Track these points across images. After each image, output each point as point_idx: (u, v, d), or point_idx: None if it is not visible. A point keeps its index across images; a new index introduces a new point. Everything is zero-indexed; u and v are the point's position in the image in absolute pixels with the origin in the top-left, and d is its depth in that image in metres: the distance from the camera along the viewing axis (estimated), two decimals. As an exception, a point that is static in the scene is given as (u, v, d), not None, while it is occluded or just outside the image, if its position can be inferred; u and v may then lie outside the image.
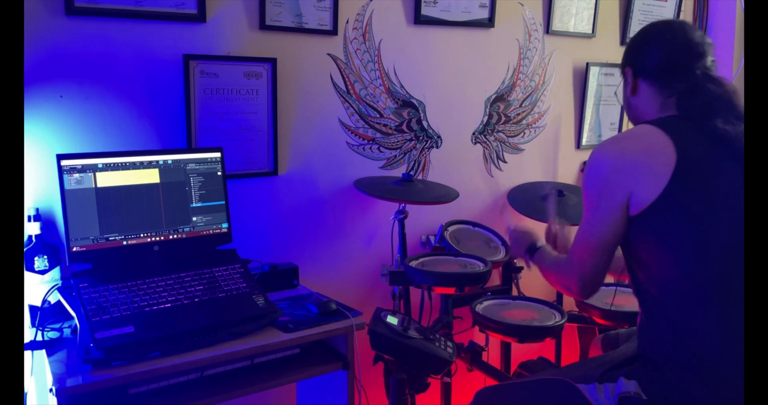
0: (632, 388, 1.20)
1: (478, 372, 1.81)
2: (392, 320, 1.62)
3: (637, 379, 1.21)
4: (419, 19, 2.13)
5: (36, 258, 1.51)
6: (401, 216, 1.99)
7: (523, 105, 2.45)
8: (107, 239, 1.49)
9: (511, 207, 2.30)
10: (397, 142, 2.16)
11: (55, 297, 1.48)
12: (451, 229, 2.19)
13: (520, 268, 2.21)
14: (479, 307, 1.83)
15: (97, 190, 1.48)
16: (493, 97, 2.36)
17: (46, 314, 1.48)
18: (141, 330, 1.32)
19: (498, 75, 2.36)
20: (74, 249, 1.45)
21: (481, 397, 1.46)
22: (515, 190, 2.41)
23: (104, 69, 1.64)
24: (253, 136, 1.87)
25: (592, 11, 2.57)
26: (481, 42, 2.30)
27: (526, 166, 2.50)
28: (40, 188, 1.58)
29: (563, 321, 1.73)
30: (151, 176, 1.56)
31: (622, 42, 2.71)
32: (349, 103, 2.04)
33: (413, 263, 1.82)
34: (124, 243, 1.51)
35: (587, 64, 2.58)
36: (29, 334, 1.43)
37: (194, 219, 1.61)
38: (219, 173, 1.65)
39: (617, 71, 2.62)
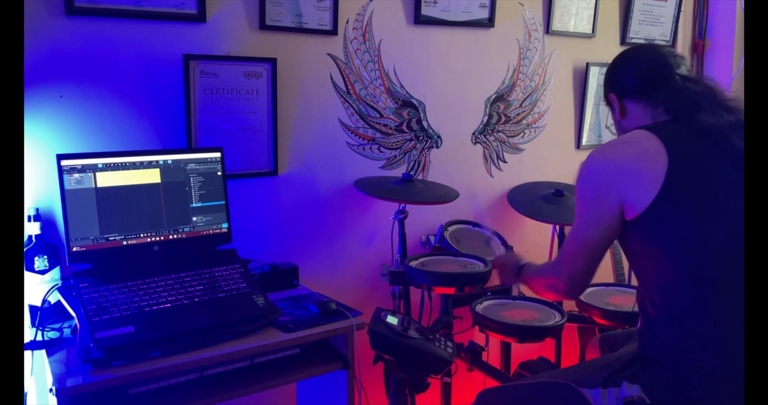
0: (635, 392, 1.20)
1: (478, 372, 1.81)
2: (392, 320, 1.62)
3: (640, 383, 1.21)
4: (419, 19, 2.13)
5: (36, 258, 1.51)
6: (401, 216, 1.99)
7: (523, 105, 2.45)
8: (107, 239, 1.49)
9: (512, 207, 2.30)
10: (397, 142, 2.16)
11: (55, 297, 1.48)
12: (451, 229, 2.19)
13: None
14: (479, 307, 1.83)
15: (97, 190, 1.48)
16: (493, 97, 2.36)
17: (46, 314, 1.48)
18: (141, 330, 1.32)
19: (498, 75, 2.36)
20: (74, 249, 1.45)
21: (482, 399, 1.46)
22: (515, 190, 2.41)
23: (104, 69, 1.64)
24: (253, 136, 1.87)
25: (592, 11, 2.57)
26: (481, 42, 2.30)
27: (526, 166, 2.50)
28: (40, 188, 1.58)
29: (563, 321, 1.73)
30: (152, 176, 1.56)
31: (622, 42, 2.71)
32: (349, 103, 2.04)
33: (413, 263, 1.82)
34: (124, 243, 1.51)
35: (587, 64, 2.58)
36: (29, 334, 1.43)
37: (194, 219, 1.61)
38: (219, 173, 1.65)
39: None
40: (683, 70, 1.35)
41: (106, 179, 1.49)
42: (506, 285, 1.83)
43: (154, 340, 1.32)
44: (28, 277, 1.50)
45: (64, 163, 1.45)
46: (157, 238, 1.55)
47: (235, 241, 1.68)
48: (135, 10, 1.64)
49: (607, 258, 2.44)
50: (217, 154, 1.65)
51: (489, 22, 2.29)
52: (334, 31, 1.96)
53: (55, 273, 1.55)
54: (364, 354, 1.67)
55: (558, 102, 2.56)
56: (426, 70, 2.19)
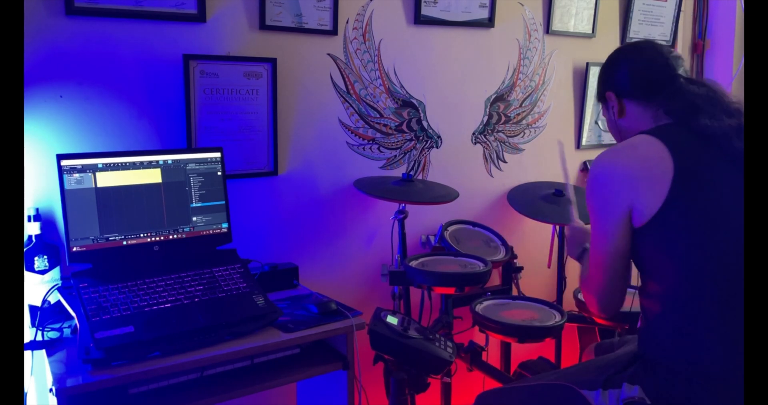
0: (636, 393, 1.20)
1: (478, 372, 1.81)
2: (392, 320, 1.62)
3: (640, 384, 1.21)
4: (419, 19, 2.13)
5: (36, 258, 1.51)
6: (401, 216, 1.99)
7: (523, 105, 2.45)
8: (107, 239, 1.49)
9: (512, 207, 2.30)
10: (397, 142, 2.16)
11: (55, 297, 1.48)
12: (451, 229, 2.19)
13: (520, 268, 2.21)
14: (479, 307, 1.83)
15: (97, 190, 1.48)
16: (493, 97, 2.36)
17: (46, 314, 1.48)
18: (141, 330, 1.32)
19: (498, 75, 2.36)
20: (74, 249, 1.45)
21: (482, 401, 1.46)
22: (515, 190, 2.41)
23: (104, 69, 1.64)
24: (253, 136, 1.87)
25: (592, 11, 2.57)
26: (481, 42, 2.30)
27: (526, 166, 2.50)
28: (40, 188, 1.58)
29: (563, 321, 1.73)
30: (153, 176, 1.56)
31: (622, 42, 2.71)
32: (349, 103, 2.04)
33: (413, 263, 1.82)
34: (124, 243, 1.51)
35: (587, 64, 2.58)
36: (29, 334, 1.43)
37: (194, 219, 1.61)
38: (219, 173, 1.65)
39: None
40: (682, 71, 1.34)
41: (106, 179, 1.49)
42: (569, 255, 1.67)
43: (154, 340, 1.32)
44: (28, 277, 1.50)
45: (64, 163, 1.45)
46: (157, 238, 1.55)
47: (235, 241, 1.68)
48: (135, 10, 1.64)
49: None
50: (217, 154, 1.65)
51: (489, 22, 2.29)
52: (334, 31, 1.96)
53: (55, 273, 1.55)
54: (364, 354, 1.67)
55: (558, 102, 2.56)
56: (426, 70, 2.19)
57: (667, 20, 2.83)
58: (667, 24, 2.83)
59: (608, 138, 2.73)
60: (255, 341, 1.42)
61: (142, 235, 1.53)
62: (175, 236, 1.58)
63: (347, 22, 2.00)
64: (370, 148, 2.11)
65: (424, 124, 2.21)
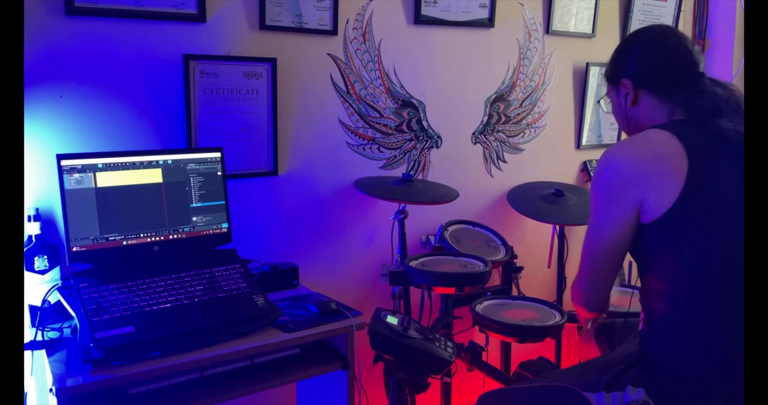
0: (640, 396, 1.19)
1: (478, 372, 1.81)
2: (392, 320, 1.62)
3: (644, 387, 1.20)
4: (419, 19, 2.13)
5: (36, 258, 1.51)
6: (401, 216, 2.00)
7: (523, 105, 2.45)
8: (107, 239, 1.49)
9: (512, 207, 2.30)
10: (397, 142, 2.16)
11: (55, 297, 1.48)
12: (451, 229, 2.19)
13: (520, 268, 2.21)
14: (479, 307, 1.83)
15: (97, 190, 1.48)
16: (493, 97, 2.36)
17: (46, 314, 1.48)
18: (141, 330, 1.32)
19: (498, 75, 2.36)
20: (74, 249, 1.45)
21: (483, 402, 1.46)
22: (515, 190, 2.41)
23: (104, 69, 1.64)
24: (253, 136, 1.87)
25: (592, 11, 2.57)
26: (481, 42, 2.30)
27: (526, 166, 2.50)
28: (40, 188, 1.58)
29: (563, 321, 1.73)
30: (153, 176, 1.56)
31: (622, 42, 2.71)
32: (349, 103, 2.04)
33: (413, 263, 1.82)
34: (124, 243, 1.51)
35: (587, 64, 2.58)
36: (29, 334, 1.43)
37: (194, 219, 1.61)
38: (219, 173, 1.65)
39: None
40: (702, 67, 1.31)
41: (106, 179, 1.49)
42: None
43: (154, 340, 1.32)
44: (28, 277, 1.50)
45: (64, 163, 1.45)
46: (157, 238, 1.55)
47: (235, 241, 1.69)
48: (135, 10, 1.64)
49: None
50: (217, 154, 1.65)
51: (489, 22, 2.29)
52: (334, 31, 1.96)
53: (55, 273, 1.55)
54: (364, 354, 1.67)
55: (558, 102, 2.56)
56: (426, 70, 2.19)
57: (667, 20, 2.83)
58: (667, 24, 2.83)
59: (608, 138, 2.73)
60: (255, 341, 1.42)
61: (142, 235, 1.53)
62: (175, 236, 1.58)
63: (347, 22, 2.00)
64: (370, 148, 2.11)
65: (424, 124, 2.21)
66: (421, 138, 2.21)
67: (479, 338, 1.94)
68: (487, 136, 2.37)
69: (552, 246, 2.45)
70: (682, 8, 2.87)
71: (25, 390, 1.47)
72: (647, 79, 1.32)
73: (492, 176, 2.41)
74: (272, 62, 1.85)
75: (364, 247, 2.14)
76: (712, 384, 1.15)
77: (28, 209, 1.52)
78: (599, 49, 2.62)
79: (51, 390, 1.23)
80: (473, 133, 2.34)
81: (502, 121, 2.40)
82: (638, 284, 1.33)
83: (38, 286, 1.51)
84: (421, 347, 1.57)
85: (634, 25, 2.71)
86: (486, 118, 2.36)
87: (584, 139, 2.65)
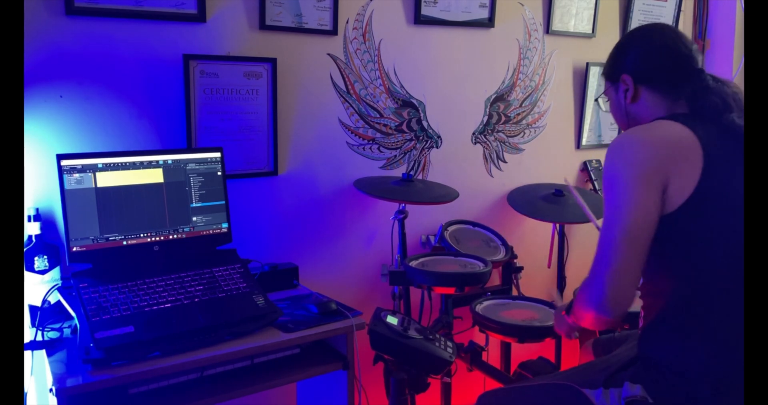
0: (638, 392, 1.19)
1: (478, 372, 1.81)
2: (392, 320, 1.62)
3: (642, 383, 1.20)
4: (419, 19, 2.13)
5: (36, 258, 1.51)
6: (401, 216, 2.00)
7: (523, 105, 2.45)
8: (107, 239, 1.49)
9: (512, 207, 2.30)
10: (397, 142, 2.16)
11: (55, 297, 1.48)
12: (451, 229, 2.19)
13: (520, 268, 2.21)
14: (479, 307, 1.83)
15: (97, 190, 1.48)
16: (493, 97, 2.36)
17: (46, 314, 1.48)
18: (141, 330, 1.32)
19: (498, 75, 2.36)
20: (74, 249, 1.45)
21: (484, 401, 1.46)
22: (515, 191, 2.41)
23: (104, 69, 1.64)
24: (253, 136, 1.87)
25: (592, 11, 2.57)
26: (481, 42, 2.30)
27: (526, 166, 2.50)
28: (40, 188, 1.58)
29: (563, 321, 1.72)
30: (153, 176, 1.56)
31: (622, 42, 2.71)
32: (349, 103, 2.04)
33: (413, 263, 1.82)
34: (124, 243, 1.51)
35: (587, 64, 2.58)
36: (29, 334, 1.43)
37: (194, 219, 1.61)
38: (219, 173, 1.65)
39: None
40: (700, 61, 1.31)
41: (106, 179, 1.49)
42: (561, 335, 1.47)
43: (154, 340, 1.32)
44: (28, 277, 1.50)
45: (64, 163, 1.45)
46: (157, 238, 1.55)
47: (235, 241, 1.69)
48: (135, 10, 1.64)
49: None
50: (217, 154, 1.65)
51: (489, 22, 2.29)
52: (334, 31, 1.96)
53: (55, 273, 1.55)
54: (364, 354, 1.67)
55: (558, 102, 2.56)
56: (426, 70, 2.19)
57: (667, 20, 2.83)
58: (664, 22, 2.83)
59: (608, 138, 2.73)
60: (255, 341, 1.42)
61: (142, 235, 1.53)
62: (175, 236, 1.58)
63: (347, 22, 2.00)
64: (370, 148, 2.11)
65: (424, 124, 2.21)
66: (421, 138, 2.21)
67: (479, 338, 1.94)
68: (487, 136, 2.37)
69: (552, 246, 2.45)
70: (682, 8, 2.87)
71: (25, 390, 1.47)
72: (648, 74, 1.31)
73: (492, 176, 2.41)
74: (272, 62, 1.85)
75: (364, 247, 2.14)
76: (711, 382, 1.15)
77: (28, 209, 1.52)
78: (599, 49, 2.62)
79: (51, 390, 1.23)
80: (473, 133, 2.34)
81: (502, 121, 2.40)
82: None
83: (38, 286, 1.51)
84: (421, 347, 1.57)
85: (634, 25, 2.71)
86: (486, 118, 2.36)
87: (584, 139, 2.65)
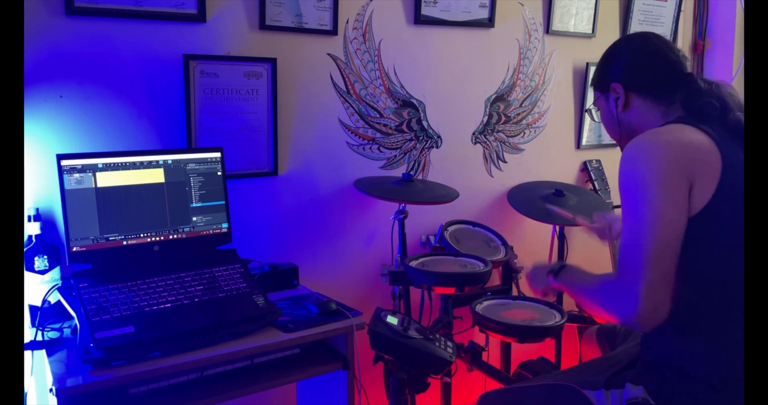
0: (639, 393, 1.19)
1: (478, 372, 1.81)
2: (392, 320, 1.62)
3: (643, 384, 1.20)
4: (419, 19, 2.13)
5: (36, 258, 1.51)
6: (401, 216, 2.00)
7: (523, 105, 2.45)
8: (107, 239, 1.49)
9: (512, 207, 2.30)
10: (397, 142, 2.16)
11: (55, 297, 1.48)
12: (451, 229, 2.19)
13: (520, 268, 2.21)
14: (479, 307, 1.83)
15: (97, 190, 1.48)
16: (493, 97, 2.36)
17: (46, 314, 1.48)
18: (141, 330, 1.32)
19: (498, 75, 2.36)
20: (74, 249, 1.45)
21: (485, 401, 1.46)
22: (515, 190, 2.41)
23: (104, 69, 1.64)
24: (253, 136, 1.87)
25: (592, 11, 2.57)
26: (481, 42, 2.30)
27: (526, 166, 2.50)
28: (40, 188, 1.58)
29: (563, 321, 1.73)
30: (153, 176, 1.56)
31: (622, 42, 2.71)
32: (349, 103, 2.04)
33: (413, 263, 1.82)
34: (124, 243, 1.51)
35: (587, 64, 2.58)
36: (29, 334, 1.43)
37: (194, 219, 1.61)
38: (219, 173, 1.65)
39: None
40: (688, 66, 1.31)
41: (106, 179, 1.49)
42: (535, 289, 1.43)
43: (154, 340, 1.32)
44: (28, 277, 1.50)
45: (64, 163, 1.45)
46: (157, 238, 1.55)
47: (235, 241, 1.69)
48: (135, 10, 1.64)
49: (608, 253, 2.44)
50: (217, 154, 1.65)
51: (489, 22, 2.29)
52: (334, 31, 1.96)
53: (55, 273, 1.55)
54: (364, 354, 1.67)
55: (558, 102, 2.56)
56: (426, 70, 2.19)
57: (667, 20, 2.83)
58: (667, 24, 2.83)
59: (608, 138, 2.73)
60: (255, 341, 1.42)
61: (142, 235, 1.53)
62: (175, 236, 1.58)
63: (347, 22, 2.00)
64: (370, 148, 2.11)
65: (424, 124, 2.21)
66: (421, 138, 2.21)
67: (479, 338, 1.94)
68: (487, 136, 2.37)
69: (552, 246, 2.45)
70: (682, 8, 2.87)
71: (25, 390, 1.47)
72: (638, 80, 1.31)
73: (492, 176, 2.41)
74: (272, 62, 1.86)
75: (364, 247, 2.14)
76: (714, 384, 1.15)
77: (28, 209, 1.52)
78: (599, 49, 2.60)
79: (51, 390, 1.23)
80: (473, 133, 2.34)
81: (502, 121, 2.40)
82: None
83: (38, 286, 1.51)
84: (421, 347, 1.57)
85: (634, 25, 2.71)
86: (486, 118, 2.36)
87: (584, 139, 2.65)
